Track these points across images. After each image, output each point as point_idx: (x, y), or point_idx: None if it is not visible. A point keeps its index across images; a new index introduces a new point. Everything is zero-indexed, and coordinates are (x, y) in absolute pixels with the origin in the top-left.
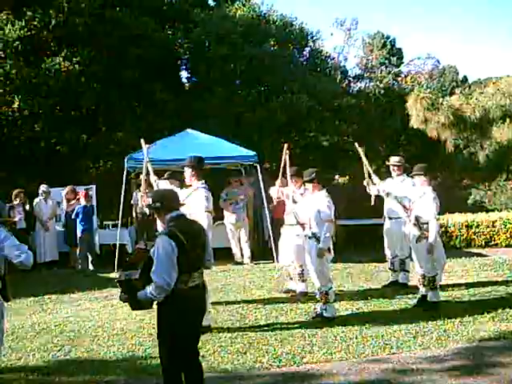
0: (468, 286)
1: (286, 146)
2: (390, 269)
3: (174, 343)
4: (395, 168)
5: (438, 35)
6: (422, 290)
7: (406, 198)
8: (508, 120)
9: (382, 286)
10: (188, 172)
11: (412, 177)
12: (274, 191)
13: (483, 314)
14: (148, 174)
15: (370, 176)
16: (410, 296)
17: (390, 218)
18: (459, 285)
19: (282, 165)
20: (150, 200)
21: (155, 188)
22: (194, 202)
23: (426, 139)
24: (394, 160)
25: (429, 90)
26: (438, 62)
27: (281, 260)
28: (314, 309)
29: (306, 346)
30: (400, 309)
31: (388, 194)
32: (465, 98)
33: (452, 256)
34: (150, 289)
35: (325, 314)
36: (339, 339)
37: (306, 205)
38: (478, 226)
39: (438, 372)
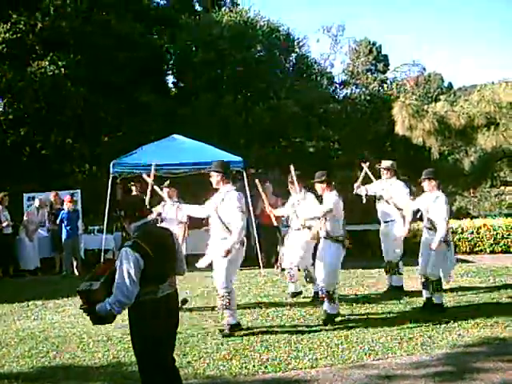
0: (452, 291)
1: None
2: (386, 272)
3: (146, 355)
4: (386, 171)
5: (424, 42)
6: (426, 293)
7: (399, 196)
8: (492, 127)
9: (383, 292)
10: (215, 177)
11: (420, 181)
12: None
13: (467, 319)
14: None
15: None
16: (394, 302)
17: (385, 222)
18: (444, 291)
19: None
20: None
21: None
22: (227, 204)
23: (411, 145)
24: (385, 164)
25: (414, 97)
26: (424, 69)
27: (285, 264)
28: (325, 310)
29: (292, 352)
30: (386, 315)
31: (380, 198)
32: (450, 105)
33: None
34: (109, 301)
35: (329, 312)
36: (325, 345)
37: (313, 207)
38: (462, 233)
39: (423, 378)
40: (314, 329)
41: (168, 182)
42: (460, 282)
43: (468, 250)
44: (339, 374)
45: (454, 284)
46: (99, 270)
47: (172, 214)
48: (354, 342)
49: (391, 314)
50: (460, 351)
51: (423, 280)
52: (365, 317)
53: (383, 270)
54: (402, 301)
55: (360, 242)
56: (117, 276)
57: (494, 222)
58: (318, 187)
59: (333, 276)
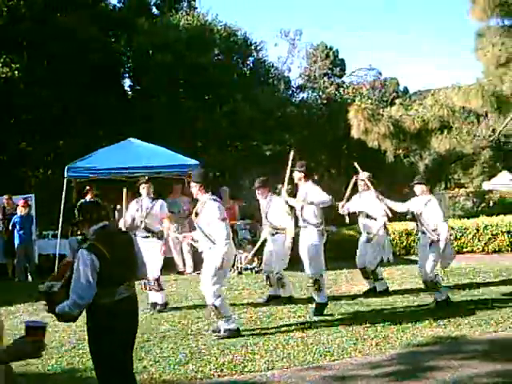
0: (406, 292)
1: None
2: (365, 278)
3: (103, 359)
4: (362, 184)
5: (380, 47)
6: (436, 295)
7: (376, 209)
8: (446, 131)
9: (362, 293)
10: (194, 187)
11: (413, 186)
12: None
13: (421, 319)
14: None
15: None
16: (349, 302)
17: (368, 233)
18: (398, 291)
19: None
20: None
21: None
22: (206, 215)
23: (367, 149)
24: (364, 176)
25: (370, 101)
26: (380, 73)
27: (265, 268)
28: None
29: (248, 355)
30: (341, 316)
31: (360, 213)
32: (405, 109)
33: (392, 263)
34: (67, 303)
35: (319, 301)
36: (281, 347)
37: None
38: (417, 234)
39: (378, 378)
40: (270, 331)
41: (146, 177)
42: (414, 282)
43: None
44: (295, 376)
45: (409, 285)
46: (61, 270)
47: (154, 208)
48: (309, 344)
49: (347, 315)
50: (414, 350)
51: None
52: (321, 318)
53: (359, 272)
54: (356, 301)
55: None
56: (73, 277)
57: (448, 223)
58: (297, 176)
59: (318, 262)
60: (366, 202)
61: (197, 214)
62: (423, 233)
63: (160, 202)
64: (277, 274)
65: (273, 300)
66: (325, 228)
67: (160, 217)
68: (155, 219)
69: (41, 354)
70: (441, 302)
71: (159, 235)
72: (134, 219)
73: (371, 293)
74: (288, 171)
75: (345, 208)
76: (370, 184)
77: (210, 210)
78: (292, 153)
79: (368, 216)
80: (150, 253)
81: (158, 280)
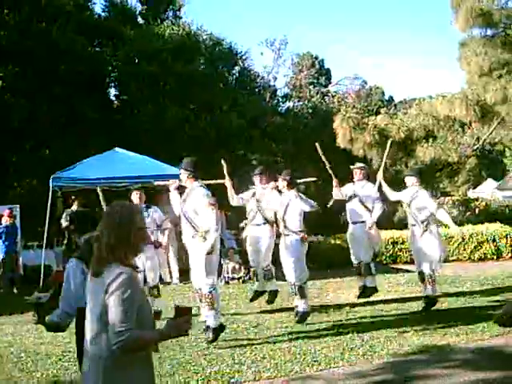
0: (393, 301)
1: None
2: (357, 274)
3: None
4: (358, 172)
5: (366, 56)
6: (428, 289)
7: (370, 197)
8: (431, 140)
9: (357, 297)
10: (184, 175)
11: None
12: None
13: (407, 328)
14: None
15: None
16: (336, 312)
17: (354, 223)
18: (385, 300)
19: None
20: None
21: None
22: (194, 201)
23: (353, 158)
24: (358, 164)
25: (355, 110)
26: (365, 82)
27: (253, 264)
28: (296, 306)
29: (235, 366)
30: (328, 325)
31: (351, 198)
32: (390, 118)
33: (378, 272)
34: (57, 313)
35: (302, 310)
36: (268, 357)
37: (276, 203)
38: (403, 243)
39: None
40: (257, 341)
41: (139, 184)
42: (401, 291)
43: (409, 259)
44: None
45: (395, 293)
46: (51, 280)
47: (151, 216)
48: (296, 354)
49: (333, 325)
50: (400, 360)
51: (427, 277)
52: (307, 328)
53: (355, 272)
54: (343, 311)
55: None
56: (63, 287)
57: None
58: (282, 183)
59: (302, 269)
60: (361, 189)
61: (183, 201)
62: (413, 225)
63: (153, 208)
64: (266, 267)
65: (260, 296)
66: (306, 236)
67: (159, 222)
68: (153, 226)
69: (189, 332)
70: (431, 299)
71: (156, 244)
72: None
73: (363, 294)
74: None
75: (338, 192)
76: (361, 173)
77: (197, 197)
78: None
79: (361, 201)
80: (149, 261)
81: (156, 287)
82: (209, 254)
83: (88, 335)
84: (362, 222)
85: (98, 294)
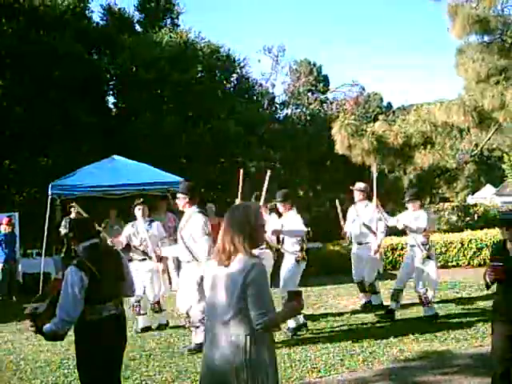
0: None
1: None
2: (362, 291)
3: (91, 375)
4: (359, 193)
5: (364, 63)
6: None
7: (373, 218)
8: (429, 146)
9: (360, 307)
10: (181, 199)
11: (406, 202)
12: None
13: (407, 334)
14: None
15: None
16: (336, 319)
17: (359, 243)
18: (385, 306)
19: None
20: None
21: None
22: (191, 228)
23: (352, 164)
24: (358, 186)
25: (353, 117)
26: (363, 88)
27: None
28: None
29: None
30: (328, 332)
31: (354, 220)
32: (388, 125)
33: (378, 278)
34: (54, 321)
35: (291, 326)
36: None
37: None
38: (402, 249)
39: None
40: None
41: (141, 199)
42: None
43: None
44: None
45: None
46: (48, 289)
47: (152, 231)
48: (296, 360)
49: (333, 331)
50: (400, 366)
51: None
52: (307, 335)
53: (359, 288)
54: (343, 317)
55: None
56: (61, 295)
57: (433, 238)
58: (281, 206)
59: (292, 281)
60: (363, 212)
61: (183, 226)
62: (412, 246)
63: (156, 223)
64: None
65: None
66: (303, 255)
67: (159, 238)
68: (153, 241)
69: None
70: (428, 316)
71: (157, 258)
72: (128, 243)
73: (368, 306)
74: (264, 190)
75: (347, 231)
76: (361, 194)
77: (195, 224)
78: (269, 173)
79: (364, 225)
80: (149, 275)
81: (158, 302)
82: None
83: (220, 317)
84: (367, 243)
85: (233, 282)
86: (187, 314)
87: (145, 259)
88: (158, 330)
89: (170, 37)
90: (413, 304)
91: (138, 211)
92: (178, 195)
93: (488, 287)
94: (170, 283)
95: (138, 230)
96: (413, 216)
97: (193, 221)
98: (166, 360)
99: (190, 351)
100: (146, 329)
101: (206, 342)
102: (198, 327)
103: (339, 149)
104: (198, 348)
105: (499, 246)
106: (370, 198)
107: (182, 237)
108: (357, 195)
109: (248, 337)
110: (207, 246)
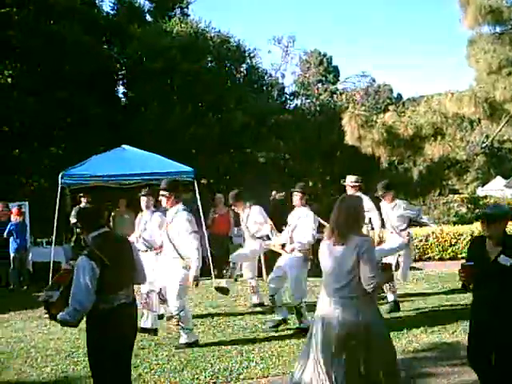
0: (401, 298)
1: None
2: None
3: (101, 364)
4: (351, 187)
5: (374, 54)
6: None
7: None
8: (439, 137)
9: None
10: (163, 196)
11: (380, 197)
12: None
13: (417, 326)
14: None
15: None
16: None
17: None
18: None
19: None
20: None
21: None
22: (177, 226)
23: (361, 155)
24: (350, 179)
25: (363, 108)
26: (373, 80)
27: (246, 275)
28: (301, 322)
29: (243, 362)
30: None
31: None
32: (398, 116)
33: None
34: (67, 310)
35: (302, 325)
36: (276, 354)
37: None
38: (412, 240)
39: None
40: (265, 338)
41: (147, 189)
42: (409, 288)
43: (417, 257)
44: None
45: (403, 290)
46: (59, 278)
47: (152, 222)
48: None
49: None
50: (409, 357)
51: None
52: None
53: None
54: None
55: None
56: (73, 284)
57: (443, 229)
58: (295, 198)
59: (299, 289)
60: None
61: (169, 223)
62: (391, 233)
63: (157, 214)
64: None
65: (259, 307)
66: (310, 254)
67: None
68: (154, 232)
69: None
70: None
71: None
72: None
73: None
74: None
75: None
76: (353, 188)
77: (180, 222)
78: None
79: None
80: (152, 267)
81: (159, 292)
82: (195, 283)
83: (335, 285)
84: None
85: (348, 256)
86: (178, 314)
87: (146, 251)
88: (166, 320)
89: (180, 26)
90: (421, 295)
91: (142, 202)
92: (160, 192)
93: (465, 287)
94: None
95: (140, 220)
96: (389, 207)
97: (178, 219)
98: (175, 349)
99: (177, 348)
100: (160, 317)
101: (323, 305)
102: (185, 329)
103: (349, 140)
104: (187, 346)
105: (478, 244)
106: (363, 191)
107: (169, 234)
108: (349, 189)
109: (356, 299)
110: (195, 244)
